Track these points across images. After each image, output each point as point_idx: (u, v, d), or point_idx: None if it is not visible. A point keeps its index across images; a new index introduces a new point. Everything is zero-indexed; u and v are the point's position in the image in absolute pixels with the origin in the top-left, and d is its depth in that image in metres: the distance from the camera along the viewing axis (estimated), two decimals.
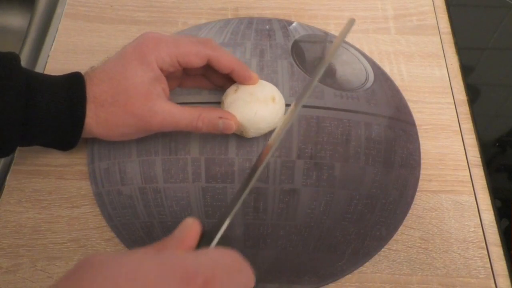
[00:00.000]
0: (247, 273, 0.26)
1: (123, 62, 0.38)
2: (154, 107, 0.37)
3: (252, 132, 0.41)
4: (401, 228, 0.40)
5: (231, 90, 0.41)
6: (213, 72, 0.41)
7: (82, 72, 0.39)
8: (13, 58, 0.36)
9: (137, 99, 0.37)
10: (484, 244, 0.40)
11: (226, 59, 0.39)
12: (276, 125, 0.41)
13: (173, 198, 0.40)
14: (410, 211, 0.41)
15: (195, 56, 0.38)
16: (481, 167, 0.44)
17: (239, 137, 0.42)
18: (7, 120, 0.35)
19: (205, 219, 0.40)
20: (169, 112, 0.38)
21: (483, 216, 0.41)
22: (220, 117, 0.39)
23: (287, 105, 0.43)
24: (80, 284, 0.21)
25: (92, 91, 0.38)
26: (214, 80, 0.43)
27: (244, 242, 0.39)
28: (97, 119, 0.38)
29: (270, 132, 0.42)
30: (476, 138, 0.46)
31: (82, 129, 0.38)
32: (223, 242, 0.29)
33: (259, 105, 0.39)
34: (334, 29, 0.53)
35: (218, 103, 0.42)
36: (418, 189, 0.42)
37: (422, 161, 0.44)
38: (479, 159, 0.44)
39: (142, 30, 0.52)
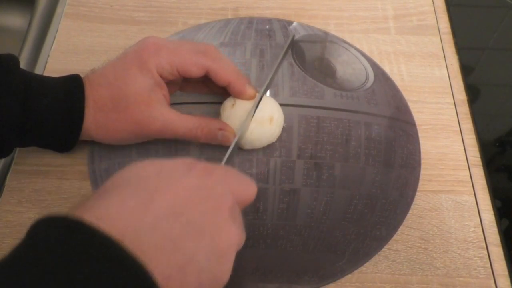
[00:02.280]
0: (247, 180, 0.30)
1: (123, 67, 0.38)
2: (153, 113, 0.37)
3: (247, 146, 0.41)
4: (401, 228, 0.40)
5: (228, 103, 0.40)
6: (212, 81, 0.41)
7: (82, 74, 0.39)
8: (11, 60, 0.36)
9: (137, 106, 0.37)
10: (484, 244, 0.40)
11: (224, 72, 0.39)
12: (271, 142, 0.41)
13: None
14: (410, 211, 0.41)
15: (194, 66, 0.38)
16: (481, 167, 0.44)
17: None
18: (5, 122, 0.35)
19: None
20: (168, 119, 0.38)
21: (483, 216, 0.41)
22: (220, 129, 0.39)
23: (287, 105, 0.43)
24: (112, 180, 0.27)
25: (92, 95, 0.38)
26: (214, 89, 0.43)
27: (244, 242, 0.39)
28: (96, 123, 0.38)
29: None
30: (476, 138, 0.46)
31: (80, 133, 0.38)
32: None
33: (256, 125, 0.39)
34: (334, 29, 0.53)
35: (218, 103, 0.42)
36: (418, 189, 0.42)
37: (422, 161, 0.44)
38: (479, 159, 0.44)
39: (142, 30, 0.52)
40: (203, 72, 0.39)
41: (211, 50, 0.39)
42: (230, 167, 0.31)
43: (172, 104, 0.40)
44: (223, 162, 0.35)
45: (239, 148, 0.41)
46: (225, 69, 0.39)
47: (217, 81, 0.39)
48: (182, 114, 0.38)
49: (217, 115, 0.42)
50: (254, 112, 0.39)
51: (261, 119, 0.39)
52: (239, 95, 0.40)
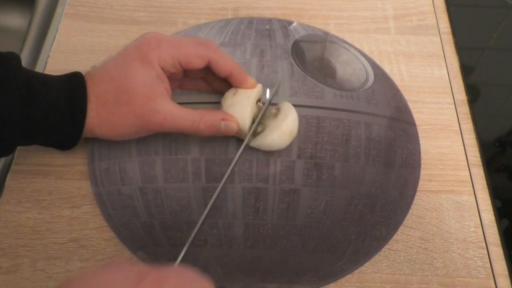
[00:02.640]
0: (203, 284, 0.27)
1: (125, 61, 0.38)
2: (155, 106, 0.37)
3: (254, 144, 0.41)
4: (401, 228, 0.40)
5: (229, 93, 0.41)
6: (212, 76, 0.41)
7: (83, 72, 0.39)
8: (13, 59, 0.36)
9: (139, 98, 0.37)
10: (484, 244, 0.40)
11: (225, 62, 0.39)
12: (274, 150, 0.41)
13: (173, 198, 0.40)
14: (410, 211, 0.41)
15: (196, 57, 0.38)
16: (481, 167, 0.44)
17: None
18: (8, 121, 0.35)
19: (205, 219, 0.40)
20: (170, 112, 0.38)
21: (483, 216, 0.41)
22: (222, 119, 0.39)
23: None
24: None
25: (94, 90, 0.38)
26: (214, 85, 0.43)
27: (244, 242, 0.39)
28: (99, 119, 0.38)
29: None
30: (476, 138, 0.46)
31: (82, 129, 0.38)
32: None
33: (280, 134, 0.39)
34: (334, 29, 0.53)
35: (218, 103, 0.42)
36: (418, 189, 0.42)
37: (422, 161, 0.44)
38: (479, 159, 0.44)
39: (142, 30, 0.52)
40: (205, 63, 0.39)
41: (211, 43, 0.40)
42: (184, 270, 0.27)
43: None
44: (178, 261, 0.34)
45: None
46: (226, 59, 0.39)
47: (219, 71, 0.39)
48: (184, 108, 0.38)
49: None
50: (267, 105, 0.40)
51: (286, 131, 0.40)
52: (241, 84, 0.40)
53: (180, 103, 0.42)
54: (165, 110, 0.38)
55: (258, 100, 0.42)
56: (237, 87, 0.41)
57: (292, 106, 0.41)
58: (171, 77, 0.40)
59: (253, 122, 0.41)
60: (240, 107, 0.40)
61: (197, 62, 0.39)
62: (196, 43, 0.39)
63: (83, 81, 0.38)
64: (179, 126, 0.38)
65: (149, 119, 0.38)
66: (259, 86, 0.41)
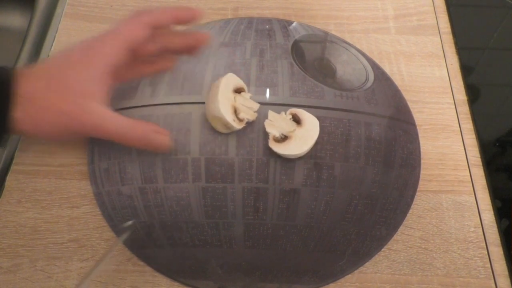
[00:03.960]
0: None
1: (68, 60, 0.37)
2: (86, 106, 0.36)
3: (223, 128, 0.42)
4: (401, 228, 0.40)
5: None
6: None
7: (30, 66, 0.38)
8: None
9: (70, 96, 0.36)
10: (484, 244, 0.40)
11: (163, 13, 0.39)
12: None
13: (173, 198, 0.40)
14: (410, 211, 0.41)
15: (139, 30, 0.38)
16: (481, 167, 0.44)
17: (239, 137, 0.42)
18: None
19: (205, 219, 0.40)
20: (100, 115, 0.36)
21: (483, 216, 0.41)
22: (155, 131, 0.39)
23: (287, 105, 0.43)
24: None
25: (25, 87, 0.36)
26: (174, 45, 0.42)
27: (244, 242, 0.39)
28: (23, 114, 0.36)
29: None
30: (476, 138, 0.46)
31: (6, 130, 0.36)
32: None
33: (298, 143, 0.40)
34: (334, 29, 0.53)
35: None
36: (418, 189, 0.42)
37: (422, 161, 0.44)
38: (479, 159, 0.44)
39: None
40: (149, 30, 0.38)
41: (142, 11, 0.39)
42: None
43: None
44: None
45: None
46: (163, 10, 0.39)
47: (165, 23, 0.39)
48: (118, 114, 0.37)
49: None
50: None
51: (311, 143, 0.41)
52: (189, 19, 0.40)
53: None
54: (95, 111, 0.36)
55: (238, 91, 0.42)
56: (185, 23, 0.41)
57: (312, 116, 0.42)
58: (125, 66, 0.39)
59: (235, 112, 0.41)
60: (212, 99, 0.41)
61: (143, 33, 0.38)
62: (132, 19, 0.38)
63: (10, 77, 0.36)
64: (107, 130, 0.37)
65: (75, 117, 0.36)
66: (228, 75, 0.41)
